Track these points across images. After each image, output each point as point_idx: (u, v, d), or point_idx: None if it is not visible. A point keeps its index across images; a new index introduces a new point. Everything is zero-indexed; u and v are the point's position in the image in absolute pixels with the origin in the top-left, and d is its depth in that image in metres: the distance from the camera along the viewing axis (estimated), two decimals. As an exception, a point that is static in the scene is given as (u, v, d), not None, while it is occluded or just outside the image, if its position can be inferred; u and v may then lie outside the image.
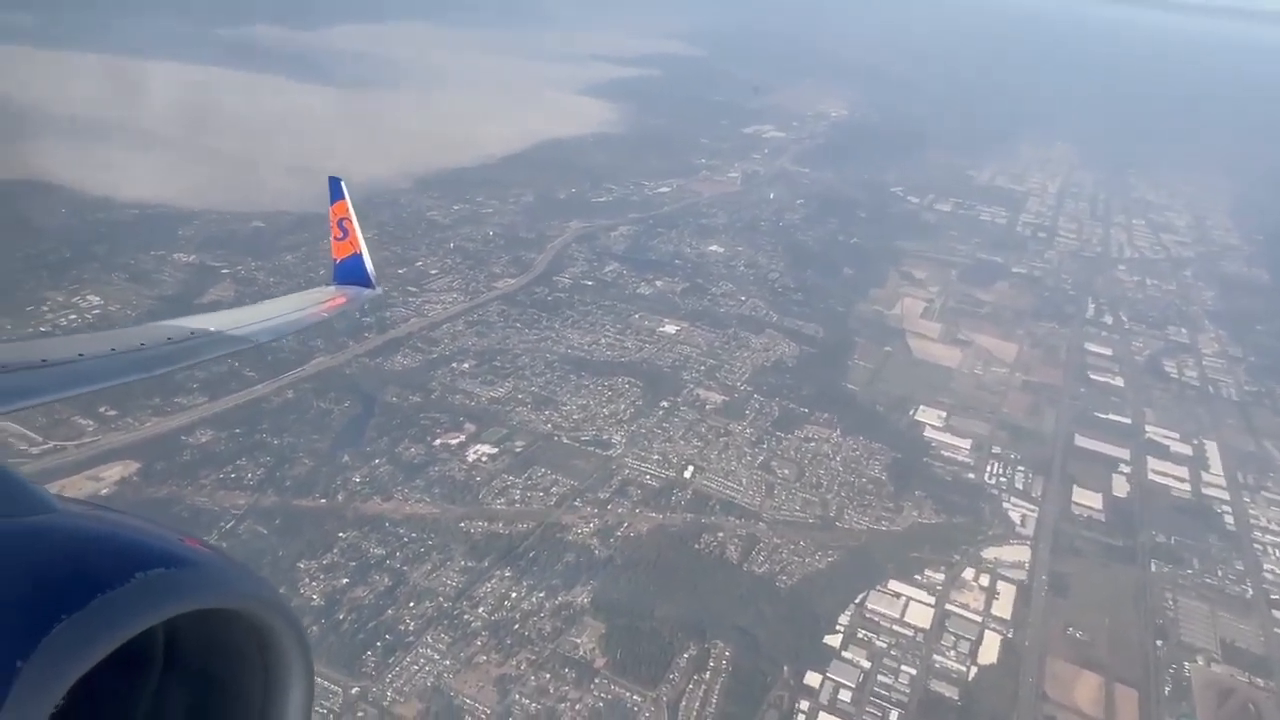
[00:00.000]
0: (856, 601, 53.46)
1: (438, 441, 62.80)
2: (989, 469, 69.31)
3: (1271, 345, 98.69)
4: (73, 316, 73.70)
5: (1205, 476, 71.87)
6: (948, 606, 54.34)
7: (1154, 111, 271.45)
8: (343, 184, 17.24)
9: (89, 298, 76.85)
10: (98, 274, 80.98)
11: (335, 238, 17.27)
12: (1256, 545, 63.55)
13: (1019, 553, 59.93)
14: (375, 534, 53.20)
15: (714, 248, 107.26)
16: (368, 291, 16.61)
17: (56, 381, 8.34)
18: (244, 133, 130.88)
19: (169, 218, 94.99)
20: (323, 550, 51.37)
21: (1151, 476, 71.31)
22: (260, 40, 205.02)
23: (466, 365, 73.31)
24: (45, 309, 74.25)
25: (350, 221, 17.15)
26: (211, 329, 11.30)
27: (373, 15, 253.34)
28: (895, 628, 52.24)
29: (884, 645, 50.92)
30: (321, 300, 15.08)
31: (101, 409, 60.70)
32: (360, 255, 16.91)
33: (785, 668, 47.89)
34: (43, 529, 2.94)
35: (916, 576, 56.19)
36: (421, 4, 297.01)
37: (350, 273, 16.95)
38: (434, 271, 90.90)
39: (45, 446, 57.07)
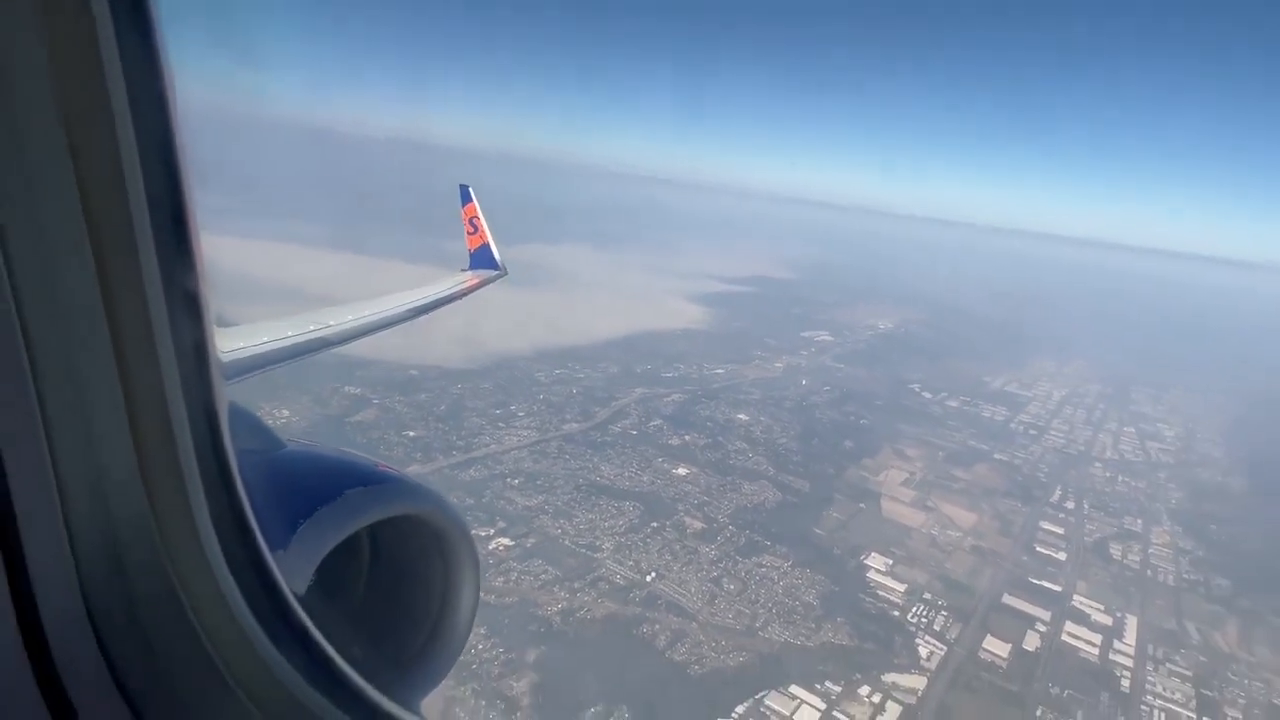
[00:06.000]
0: (755, 697, 52.22)
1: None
2: (914, 610, 66.09)
3: (1224, 543, 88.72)
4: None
5: (1117, 644, 64.92)
6: (835, 713, 52.00)
7: (1172, 343, 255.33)
8: (470, 189, 17.84)
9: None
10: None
11: (468, 233, 17.66)
12: (1144, 707, 56.81)
13: (916, 681, 56.52)
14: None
15: (741, 416, 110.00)
16: (495, 273, 17.05)
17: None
18: (429, 313, 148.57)
19: (352, 364, 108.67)
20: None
21: (1064, 637, 65.36)
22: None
23: (517, 481, 78.87)
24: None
25: (479, 219, 17.51)
26: (366, 312, 11.68)
27: (551, 238, 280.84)
28: (782, 724, 50.61)
29: (767, 736, 49.38)
30: (460, 282, 15.66)
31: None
32: (489, 245, 17.35)
33: (674, 738, 47.54)
34: (284, 458, 3.25)
35: (816, 685, 54.12)
36: (597, 232, 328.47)
37: (481, 260, 17.40)
38: (521, 414, 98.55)
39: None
